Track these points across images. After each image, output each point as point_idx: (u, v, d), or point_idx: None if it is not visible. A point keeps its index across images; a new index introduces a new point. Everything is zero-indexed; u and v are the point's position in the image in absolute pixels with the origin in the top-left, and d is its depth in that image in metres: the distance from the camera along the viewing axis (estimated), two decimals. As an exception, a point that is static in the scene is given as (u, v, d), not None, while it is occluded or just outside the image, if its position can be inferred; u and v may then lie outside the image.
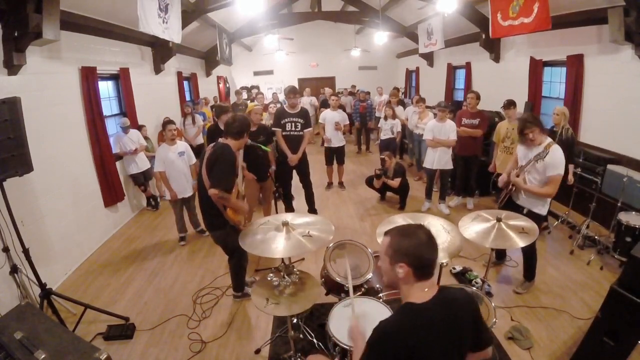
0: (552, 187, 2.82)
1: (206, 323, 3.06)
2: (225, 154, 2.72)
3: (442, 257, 2.16)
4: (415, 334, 1.16)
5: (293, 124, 4.67)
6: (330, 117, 5.89)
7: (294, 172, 4.96)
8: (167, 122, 4.47)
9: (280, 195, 3.98)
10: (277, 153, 4.92)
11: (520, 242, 2.28)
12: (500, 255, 3.78)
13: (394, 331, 1.17)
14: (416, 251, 1.21)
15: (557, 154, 2.78)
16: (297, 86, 9.52)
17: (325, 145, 6.04)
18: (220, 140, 2.88)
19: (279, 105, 6.98)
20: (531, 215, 2.89)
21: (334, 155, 6.04)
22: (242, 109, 7.33)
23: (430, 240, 1.23)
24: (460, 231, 2.41)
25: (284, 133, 4.70)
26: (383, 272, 1.33)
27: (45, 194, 3.64)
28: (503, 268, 3.70)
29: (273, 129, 4.77)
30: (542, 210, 3.00)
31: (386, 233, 1.32)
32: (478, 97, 4.91)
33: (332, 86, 12.96)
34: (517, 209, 3.01)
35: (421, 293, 1.22)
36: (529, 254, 3.18)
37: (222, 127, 4.19)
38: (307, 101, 10.08)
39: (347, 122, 6.16)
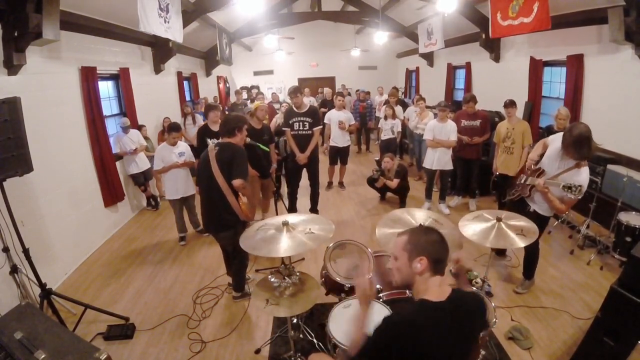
0: (566, 207, 2.77)
1: (206, 323, 3.06)
2: (238, 149, 2.86)
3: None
4: (428, 331, 1.17)
5: (301, 123, 4.68)
6: (335, 117, 5.89)
7: (303, 172, 4.95)
8: (172, 129, 4.24)
9: (280, 196, 3.99)
10: (286, 152, 4.91)
11: (520, 242, 2.29)
12: (500, 251, 3.77)
13: (406, 325, 1.18)
14: (434, 246, 1.30)
15: (583, 177, 2.60)
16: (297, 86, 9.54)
17: (331, 144, 6.02)
18: (219, 141, 2.89)
19: (278, 106, 6.98)
20: (535, 215, 2.89)
21: (338, 155, 6.02)
22: (242, 108, 7.33)
23: (443, 240, 1.33)
24: (460, 230, 2.42)
25: (292, 132, 4.72)
26: (396, 271, 1.35)
27: (45, 194, 3.64)
28: (503, 268, 3.70)
29: (283, 128, 4.83)
30: (548, 213, 2.97)
31: (400, 234, 1.38)
32: (475, 101, 4.94)
33: (332, 86, 12.93)
34: (521, 206, 3.01)
35: (436, 289, 1.27)
36: (531, 252, 3.17)
37: (210, 126, 4.18)
38: (306, 102, 10.04)
39: (353, 122, 6.12)
